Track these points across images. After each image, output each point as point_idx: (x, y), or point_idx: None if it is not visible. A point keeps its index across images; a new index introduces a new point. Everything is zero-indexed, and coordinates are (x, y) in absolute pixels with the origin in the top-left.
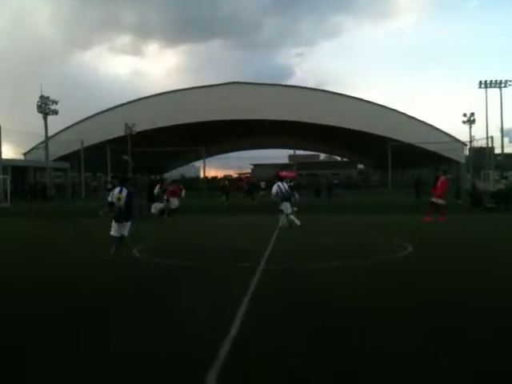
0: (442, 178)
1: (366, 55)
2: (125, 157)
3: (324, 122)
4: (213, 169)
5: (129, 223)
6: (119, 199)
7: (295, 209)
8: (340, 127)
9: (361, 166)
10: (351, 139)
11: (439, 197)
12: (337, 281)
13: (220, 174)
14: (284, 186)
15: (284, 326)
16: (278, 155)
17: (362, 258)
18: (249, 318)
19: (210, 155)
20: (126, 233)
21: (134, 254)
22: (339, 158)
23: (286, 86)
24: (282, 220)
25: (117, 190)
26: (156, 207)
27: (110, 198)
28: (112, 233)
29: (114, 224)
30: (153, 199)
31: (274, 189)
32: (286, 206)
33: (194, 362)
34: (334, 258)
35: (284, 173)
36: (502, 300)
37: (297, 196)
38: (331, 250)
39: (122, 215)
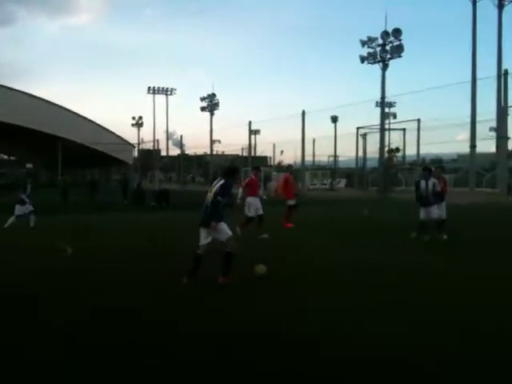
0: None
1: (41, 49)
2: None
3: None
4: None
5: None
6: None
7: None
8: (7, 123)
9: (30, 166)
10: (21, 137)
11: (288, 197)
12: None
13: None
14: None
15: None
16: None
17: None
18: None
19: None
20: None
21: None
22: (6, 157)
23: None
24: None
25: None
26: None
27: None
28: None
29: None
30: None
31: None
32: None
33: None
34: None
35: None
36: None
37: None
38: None
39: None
